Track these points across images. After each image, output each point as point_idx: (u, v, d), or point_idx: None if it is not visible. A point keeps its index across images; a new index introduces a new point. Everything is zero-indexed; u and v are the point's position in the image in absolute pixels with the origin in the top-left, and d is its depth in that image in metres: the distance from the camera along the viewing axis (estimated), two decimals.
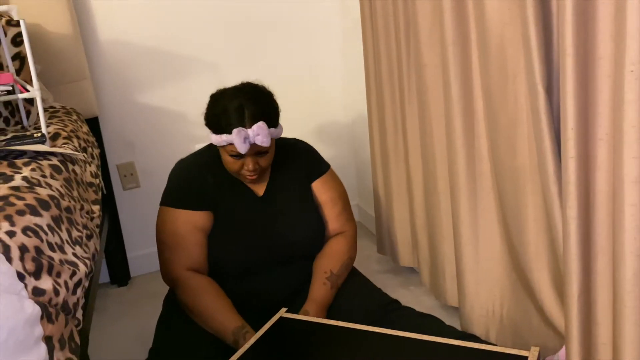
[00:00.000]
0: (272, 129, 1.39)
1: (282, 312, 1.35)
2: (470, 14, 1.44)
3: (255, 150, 1.39)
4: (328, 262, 1.49)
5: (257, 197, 1.51)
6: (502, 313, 1.59)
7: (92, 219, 1.34)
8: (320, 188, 1.56)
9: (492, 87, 1.42)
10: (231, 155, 1.40)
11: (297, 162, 1.57)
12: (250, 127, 1.35)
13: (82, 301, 1.03)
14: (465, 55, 1.49)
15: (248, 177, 1.43)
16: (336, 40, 2.41)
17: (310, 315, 1.39)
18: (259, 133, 1.34)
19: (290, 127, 2.34)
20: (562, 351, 1.33)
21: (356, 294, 1.49)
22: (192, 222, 1.44)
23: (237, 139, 1.33)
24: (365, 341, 1.23)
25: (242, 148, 1.34)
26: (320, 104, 2.46)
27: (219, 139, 1.38)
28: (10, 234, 0.89)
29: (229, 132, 1.35)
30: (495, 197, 1.54)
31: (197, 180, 1.48)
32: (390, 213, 2.05)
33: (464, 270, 1.62)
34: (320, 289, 1.45)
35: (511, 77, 1.37)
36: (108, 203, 2.13)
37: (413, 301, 1.87)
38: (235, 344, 1.32)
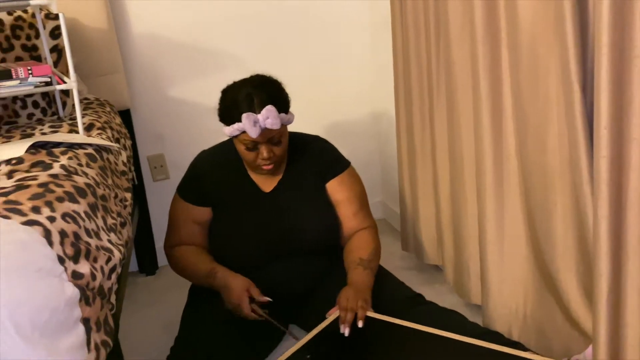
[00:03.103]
0: (283, 115, 1.40)
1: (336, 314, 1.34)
2: (502, 12, 1.43)
3: (268, 138, 1.40)
4: (356, 253, 1.49)
5: (263, 194, 1.52)
6: (526, 312, 1.58)
7: (125, 206, 1.37)
8: (336, 187, 1.56)
9: (522, 85, 1.41)
10: (246, 147, 1.42)
11: (311, 160, 1.56)
12: (259, 112, 1.37)
13: (115, 286, 1.06)
14: (495, 53, 1.48)
15: (264, 167, 1.45)
16: (364, 37, 2.42)
17: (350, 295, 1.35)
18: (268, 116, 1.35)
19: (316, 121, 2.35)
20: (589, 350, 1.32)
21: (380, 285, 1.49)
22: (189, 213, 1.55)
23: (247, 123, 1.35)
24: (402, 337, 1.24)
25: (252, 132, 1.35)
26: (347, 100, 2.47)
27: (231, 130, 1.41)
28: (51, 219, 0.93)
29: (240, 120, 1.37)
30: (521, 196, 1.53)
31: (206, 176, 1.55)
32: (416, 210, 2.05)
33: (488, 269, 1.62)
34: (353, 273, 1.44)
35: (542, 76, 1.36)
36: (138, 193, 2.18)
37: (436, 299, 1.85)
38: (211, 287, 1.45)
